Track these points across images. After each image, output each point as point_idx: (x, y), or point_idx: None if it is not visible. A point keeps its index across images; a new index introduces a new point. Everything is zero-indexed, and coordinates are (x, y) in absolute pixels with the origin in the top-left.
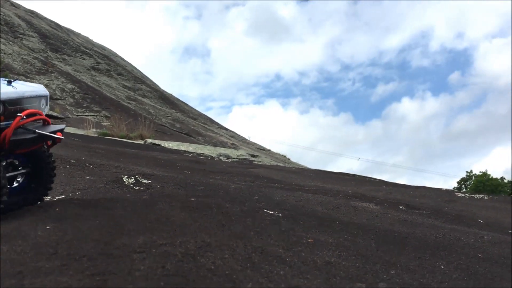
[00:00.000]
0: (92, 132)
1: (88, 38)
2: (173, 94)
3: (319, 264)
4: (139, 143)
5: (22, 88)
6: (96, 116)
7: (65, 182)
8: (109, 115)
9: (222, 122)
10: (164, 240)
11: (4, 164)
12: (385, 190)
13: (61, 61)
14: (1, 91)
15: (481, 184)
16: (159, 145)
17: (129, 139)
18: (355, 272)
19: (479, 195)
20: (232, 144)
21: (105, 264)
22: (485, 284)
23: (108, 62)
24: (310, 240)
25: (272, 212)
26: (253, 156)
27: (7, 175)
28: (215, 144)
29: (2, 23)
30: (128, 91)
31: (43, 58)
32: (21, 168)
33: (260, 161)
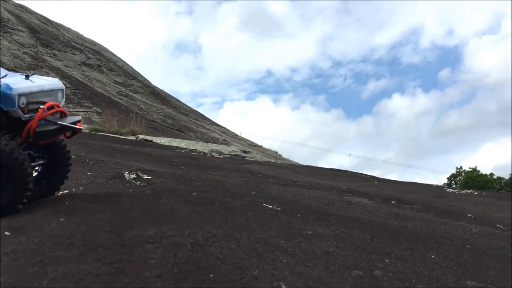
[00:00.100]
0: (83, 128)
1: (79, 33)
2: (165, 90)
3: (318, 253)
4: (131, 139)
5: (41, 82)
6: (87, 111)
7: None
8: (100, 111)
9: (213, 118)
10: (173, 232)
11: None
12: (376, 186)
13: (51, 56)
14: (24, 85)
15: (471, 180)
16: (151, 141)
17: (121, 135)
18: (352, 261)
19: (469, 191)
20: (224, 140)
21: (120, 254)
22: (473, 272)
23: (99, 58)
24: (309, 232)
25: (271, 206)
26: (245, 152)
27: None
28: (206, 140)
29: None
30: (119, 87)
31: (33, 53)
32: (39, 159)
33: (252, 157)
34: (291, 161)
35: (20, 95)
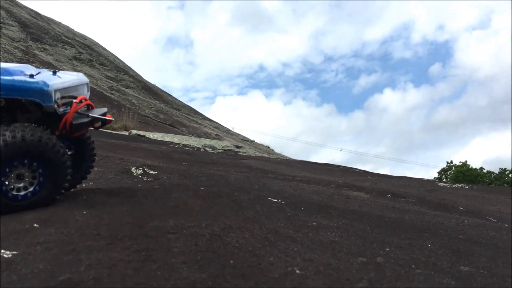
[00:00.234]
0: (113, 119)
1: (69, 27)
2: (156, 85)
3: (325, 242)
4: (124, 134)
5: (69, 77)
6: None
7: None
8: None
9: (205, 113)
10: (191, 223)
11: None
12: (370, 180)
13: (42, 51)
14: (57, 81)
15: (461, 174)
16: (144, 136)
17: (113, 130)
18: (356, 249)
19: (460, 185)
20: (216, 135)
21: (145, 243)
22: (466, 259)
23: (90, 52)
24: (314, 223)
25: (275, 200)
26: (237, 147)
27: None
28: (199, 135)
29: None
30: (111, 82)
31: (23, 48)
32: (68, 150)
33: (245, 152)
34: (283, 156)
35: (55, 91)
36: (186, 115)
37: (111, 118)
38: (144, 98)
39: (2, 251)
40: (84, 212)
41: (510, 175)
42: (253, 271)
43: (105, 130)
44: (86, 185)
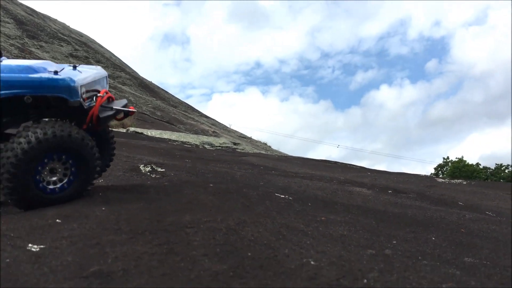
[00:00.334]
0: (136, 110)
1: (65, 24)
2: (153, 82)
3: (335, 236)
4: (122, 131)
5: (90, 71)
6: None
7: None
8: None
9: (202, 110)
10: (207, 218)
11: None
12: (370, 176)
13: (38, 48)
14: (81, 76)
15: (458, 170)
16: (142, 133)
17: (111, 128)
18: (365, 242)
19: (458, 180)
20: (214, 132)
21: (165, 237)
22: (469, 251)
23: (86, 49)
24: (323, 218)
25: (283, 196)
26: (235, 144)
27: None
28: (196, 132)
29: None
30: (108, 78)
31: (19, 45)
32: None
33: (243, 149)
34: (280, 152)
35: (81, 86)
36: (183, 112)
37: (134, 110)
38: (141, 95)
39: (30, 245)
40: (103, 208)
41: (506, 171)
42: (270, 262)
43: None
44: (97, 182)
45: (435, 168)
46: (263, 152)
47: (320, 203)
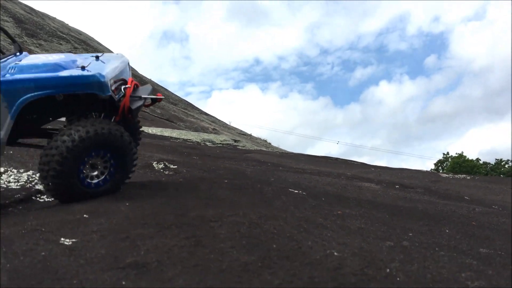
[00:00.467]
0: (163, 97)
1: (64, 22)
2: (152, 80)
3: (352, 229)
4: None
5: (114, 61)
6: None
7: None
8: None
9: (202, 107)
10: (229, 212)
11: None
12: (374, 172)
13: (37, 47)
14: (109, 69)
15: (458, 165)
16: (143, 131)
17: None
18: (382, 234)
19: (462, 176)
20: (214, 129)
21: (191, 230)
22: (483, 243)
23: (86, 47)
24: (339, 212)
25: (297, 191)
26: (235, 141)
27: None
28: (196, 129)
29: None
30: None
31: (19, 44)
32: None
33: (243, 146)
34: (281, 149)
35: (110, 79)
36: (183, 110)
37: (162, 97)
38: None
39: (62, 239)
40: (127, 204)
41: (506, 166)
42: (295, 253)
43: None
44: None
45: (435, 164)
46: (263, 149)
47: (332, 198)
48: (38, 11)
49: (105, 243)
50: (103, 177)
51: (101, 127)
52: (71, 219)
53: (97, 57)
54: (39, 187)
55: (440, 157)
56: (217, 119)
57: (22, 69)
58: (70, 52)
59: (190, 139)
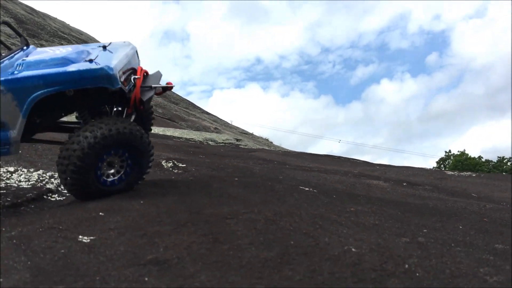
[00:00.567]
0: (174, 85)
1: (65, 22)
2: None
3: (367, 225)
4: None
5: (122, 50)
6: None
7: None
8: None
9: (203, 106)
10: (244, 210)
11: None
12: (379, 170)
13: (38, 47)
14: (116, 60)
15: (460, 163)
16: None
17: None
18: (397, 231)
19: (467, 173)
20: (215, 128)
21: (208, 228)
22: (498, 238)
23: None
24: (352, 209)
25: (307, 189)
26: (237, 140)
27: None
28: (198, 129)
29: None
30: None
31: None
32: None
33: (246, 145)
34: (283, 148)
35: (119, 71)
36: (185, 109)
37: (172, 85)
38: None
39: (80, 236)
40: (141, 202)
41: (509, 163)
42: (313, 250)
43: None
44: None
45: (437, 162)
46: (266, 148)
47: (343, 195)
48: (39, 11)
49: (123, 240)
50: (118, 176)
51: (123, 127)
52: (87, 217)
53: (104, 47)
54: (50, 186)
55: (442, 155)
56: (218, 118)
57: (30, 65)
58: None
59: (192, 138)
